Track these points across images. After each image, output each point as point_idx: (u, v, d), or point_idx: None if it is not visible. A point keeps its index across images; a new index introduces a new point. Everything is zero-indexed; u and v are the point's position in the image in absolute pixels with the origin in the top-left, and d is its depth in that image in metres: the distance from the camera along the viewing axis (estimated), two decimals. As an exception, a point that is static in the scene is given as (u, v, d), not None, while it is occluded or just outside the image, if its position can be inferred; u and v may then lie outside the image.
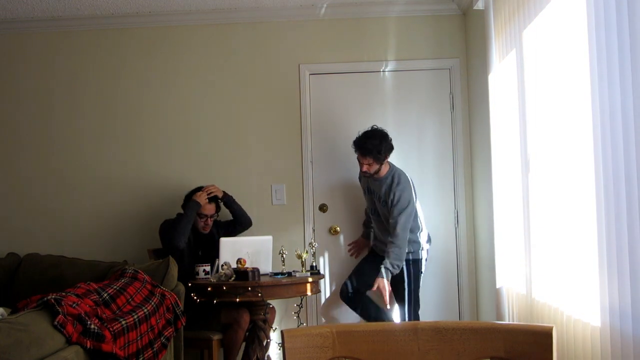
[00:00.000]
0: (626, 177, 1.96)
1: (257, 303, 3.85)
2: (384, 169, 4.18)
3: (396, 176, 4.17)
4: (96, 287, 3.12)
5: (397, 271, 4.04)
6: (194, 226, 4.26)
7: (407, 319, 4.16)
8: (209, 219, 4.27)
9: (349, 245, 4.62)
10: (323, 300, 4.68)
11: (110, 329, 2.83)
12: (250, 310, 3.95)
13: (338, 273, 4.63)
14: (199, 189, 4.30)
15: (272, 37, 4.78)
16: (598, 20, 2.11)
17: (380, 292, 4.00)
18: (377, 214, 4.27)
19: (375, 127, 4.17)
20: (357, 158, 4.17)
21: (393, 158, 4.61)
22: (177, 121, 4.78)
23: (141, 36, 4.82)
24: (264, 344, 3.91)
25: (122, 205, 4.75)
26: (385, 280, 3.99)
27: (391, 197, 4.10)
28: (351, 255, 4.62)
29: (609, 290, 2.08)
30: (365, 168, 4.13)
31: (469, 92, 4.65)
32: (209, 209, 4.27)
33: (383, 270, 3.99)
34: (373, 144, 4.05)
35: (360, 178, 4.41)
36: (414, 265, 4.21)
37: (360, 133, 4.15)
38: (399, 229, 4.03)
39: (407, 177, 4.22)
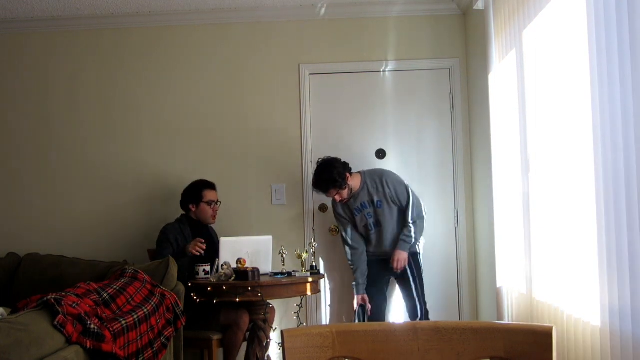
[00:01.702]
0: (626, 177, 1.96)
1: (257, 303, 3.85)
2: (356, 183, 4.21)
3: (375, 176, 4.23)
4: (96, 287, 3.12)
5: (414, 243, 4.16)
6: (201, 222, 4.29)
7: (419, 314, 4.20)
8: (216, 204, 4.34)
9: (368, 310, 4.26)
10: (323, 300, 4.67)
11: (110, 328, 2.83)
12: (250, 310, 3.95)
13: (338, 273, 4.63)
14: (198, 183, 4.33)
15: (272, 37, 4.78)
16: (598, 19, 2.11)
17: (398, 263, 4.13)
18: (378, 224, 4.23)
19: (319, 160, 4.20)
20: (327, 196, 4.26)
21: (393, 157, 4.59)
22: (176, 121, 4.78)
23: (141, 36, 4.82)
24: (264, 344, 3.90)
25: (122, 205, 4.75)
26: (404, 252, 4.13)
27: (388, 192, 4.17)
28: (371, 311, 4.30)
29: (609, 290, 2.08)
30: (338, 199, 4.19)
31: (469, 92, 4.65)
32: (214, 195, 4.34)
33: (402, 243, 4.13)
34: (326, 180, 4.11)
35: (338, 215, 4.31)
36: (414, 258, 4.24)
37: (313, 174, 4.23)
38: (413, 213, 4.15)
39: (381, 169, 4.32)
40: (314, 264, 4.04)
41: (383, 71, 4.74)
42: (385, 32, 4.74)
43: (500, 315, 3.55)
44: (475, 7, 3.96)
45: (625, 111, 1.95)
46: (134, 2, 4.53)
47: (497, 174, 3.61)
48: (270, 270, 4.03)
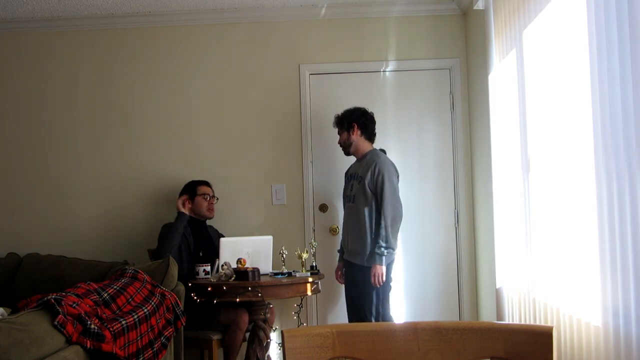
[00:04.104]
0: (626, 177, 1.96)
1: (257, 303, 3.85)
2: (361, 147, 4.18)
3: (375, 157, 4.09)
4: (96, 287, 3.12)
5: (390, 253, 3.94)
6: (199, 216, 4.31)
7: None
8: (212, 198, 4.36)
9: (338, 280, 4.36)
10: (323, 300, 4.66)
11: (111, 329, 2.83)
12: (250, 310, 3.94)
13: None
14: (192, 181, 4.39)
15: (272, 37, 4.78)
16: (598, 19, 2.11)
17: (375, 278, 3.91)
18: (353, 199, 4.09)
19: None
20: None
21: (393, 157, 4.58)
22: (176, 121, 4.78)
23: (141, 36, 4.82)
24: (264, 344, 3.90)
25: (122, 206, 4.75)
26: (380, 266, 3.91)
27: (370, 173, 3.99)
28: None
29: (609, 290, 2.08)
30: (338, 140, 4.29)
31: (469, 92, 4.65)
32: (208, 189, 4.39)
33: (375, 256, 3.92)
34: (342, 115, 4.22)
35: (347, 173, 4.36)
36: (363, 271, 3.98)
37: None
38: (386, 210, 3.94)
39: (384, 159, 4.11)
40: (314, 264, 4.03)
41: (383, 71, 4.74)
42: (385, 32, 4.74)
43: (500, 315, 3.55)
44: (475, 7, 3.96)
45: (625, 110, 1.95)
46: (133, 2, 4.53)
47: (497, 174, 3.61)
48: (271, 270, 4.03)
